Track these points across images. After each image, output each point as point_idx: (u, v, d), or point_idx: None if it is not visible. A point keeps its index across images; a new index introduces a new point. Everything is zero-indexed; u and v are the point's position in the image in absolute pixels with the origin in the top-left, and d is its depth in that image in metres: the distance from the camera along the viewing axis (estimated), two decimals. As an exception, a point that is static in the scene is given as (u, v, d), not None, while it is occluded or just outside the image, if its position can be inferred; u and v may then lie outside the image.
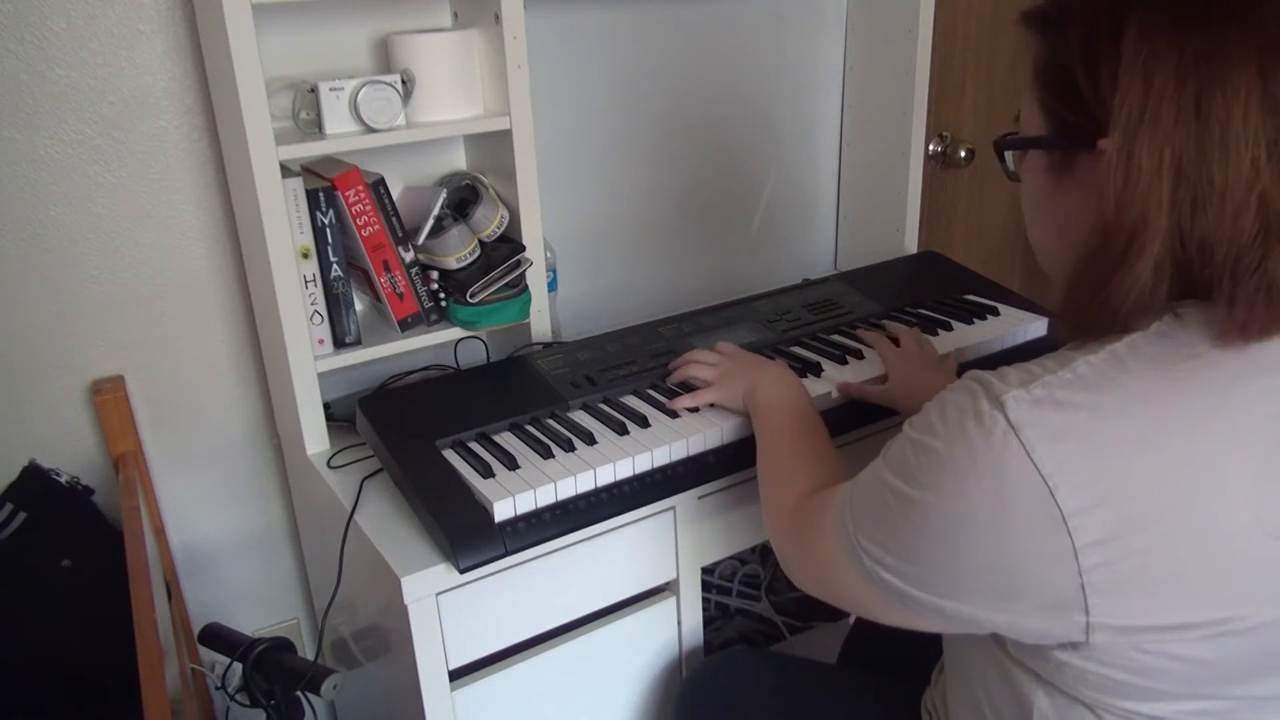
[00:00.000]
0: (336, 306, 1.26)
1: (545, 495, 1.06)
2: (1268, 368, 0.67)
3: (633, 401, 1.25)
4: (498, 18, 1.22)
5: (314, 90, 1.19)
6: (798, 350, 1.37)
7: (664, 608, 1.22)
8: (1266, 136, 0.62)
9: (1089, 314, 0.70)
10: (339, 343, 1.28)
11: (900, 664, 1.06)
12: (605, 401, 1.25)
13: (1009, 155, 0.81)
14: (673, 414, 1.19)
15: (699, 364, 1.23)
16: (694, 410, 1.20)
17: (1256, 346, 0.66)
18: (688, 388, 1.24)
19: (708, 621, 1.33)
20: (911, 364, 1.27)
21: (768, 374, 1.15)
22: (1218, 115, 0.62)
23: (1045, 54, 0.73)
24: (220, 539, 1.55)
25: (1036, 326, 1.42)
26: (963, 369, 1.32)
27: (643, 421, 1.18)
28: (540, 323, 1.38)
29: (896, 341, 1.34)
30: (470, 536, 1.02)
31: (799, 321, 1.45)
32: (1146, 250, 0.64)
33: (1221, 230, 0.63)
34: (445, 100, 1.27)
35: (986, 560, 0.67)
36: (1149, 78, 0.64)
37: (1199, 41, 0.63)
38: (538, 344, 1.38)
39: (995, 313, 1.47)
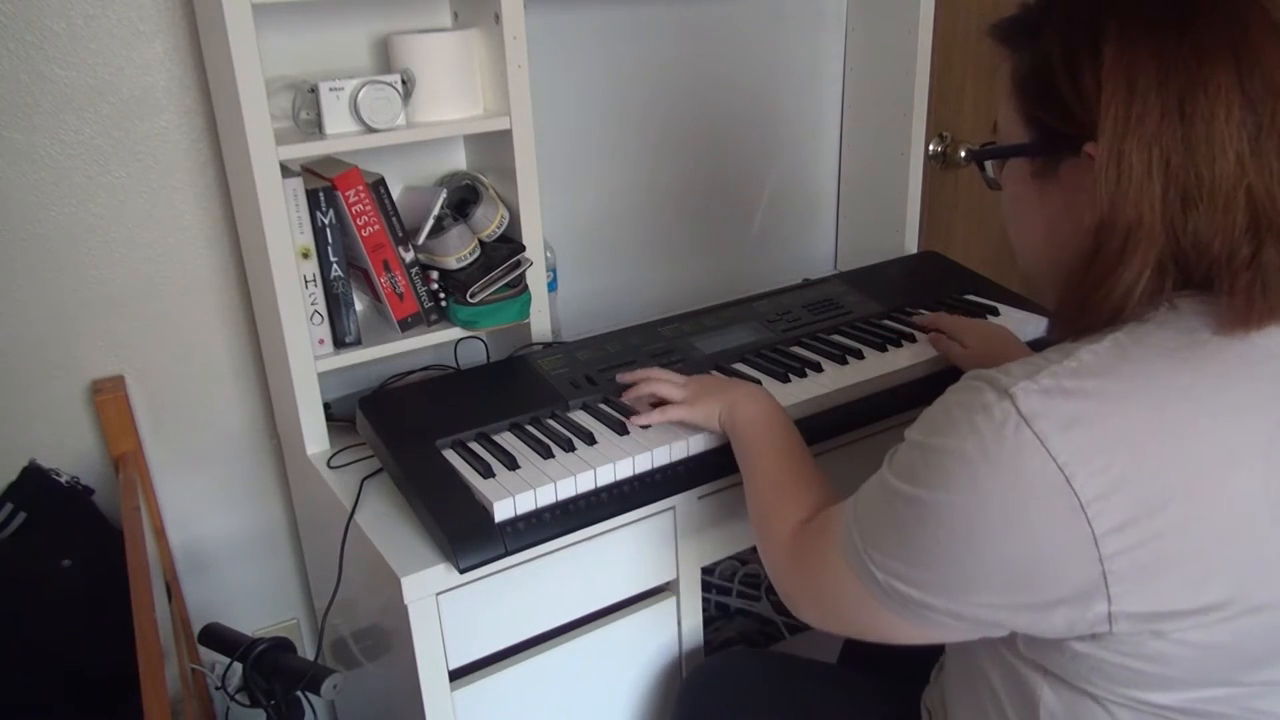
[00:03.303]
0: (336, 306, 1.26)
1: (545, 495, 1.06)
2: (1268, 352, 0.68)
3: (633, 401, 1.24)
4: (498, 18, 1.22)
5: (314, 90, 1.19)
6: (798, 350, 1.37)
7: (664, 608, 1.22)
8: (1248, 132, 0.65)
9: (1087, 313, 0.71)
10: (339, 343, 1.28)
11: (900, 663, 1.06)
12: (605, 401, 1.25)
13: (989, 164, 0.83)
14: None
15: (664, 382, 1.17)
16: (646, 427, 1.15)
17: (1256, 334, 0.68)
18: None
19: (708, 621, 1.32)
20: (995, 340, 1.24)
21: (741, 393, 1.10)
22: (1201, 114, 0.65)
23: (1024, 63, 0.75)
24: (220, 539, 1.55)
25: (1036, 326, 1.42)
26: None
27: (643, 421, 1.18)
28: (540, 323, 1.38)
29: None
30: (470, 536, 1.02)
31: (799, 321, 1.45)
32: (1142, 248, 0.67)
33: (1213, 226, 0.66)
34: (445, 100, 1.27)
35: (1007, 555, 0.66)
36: (1132, 81, 0.66)
37: (1177, 43, 0.66)
38: (538, 344, 1.38)
39: (995, 313, 1.47)
